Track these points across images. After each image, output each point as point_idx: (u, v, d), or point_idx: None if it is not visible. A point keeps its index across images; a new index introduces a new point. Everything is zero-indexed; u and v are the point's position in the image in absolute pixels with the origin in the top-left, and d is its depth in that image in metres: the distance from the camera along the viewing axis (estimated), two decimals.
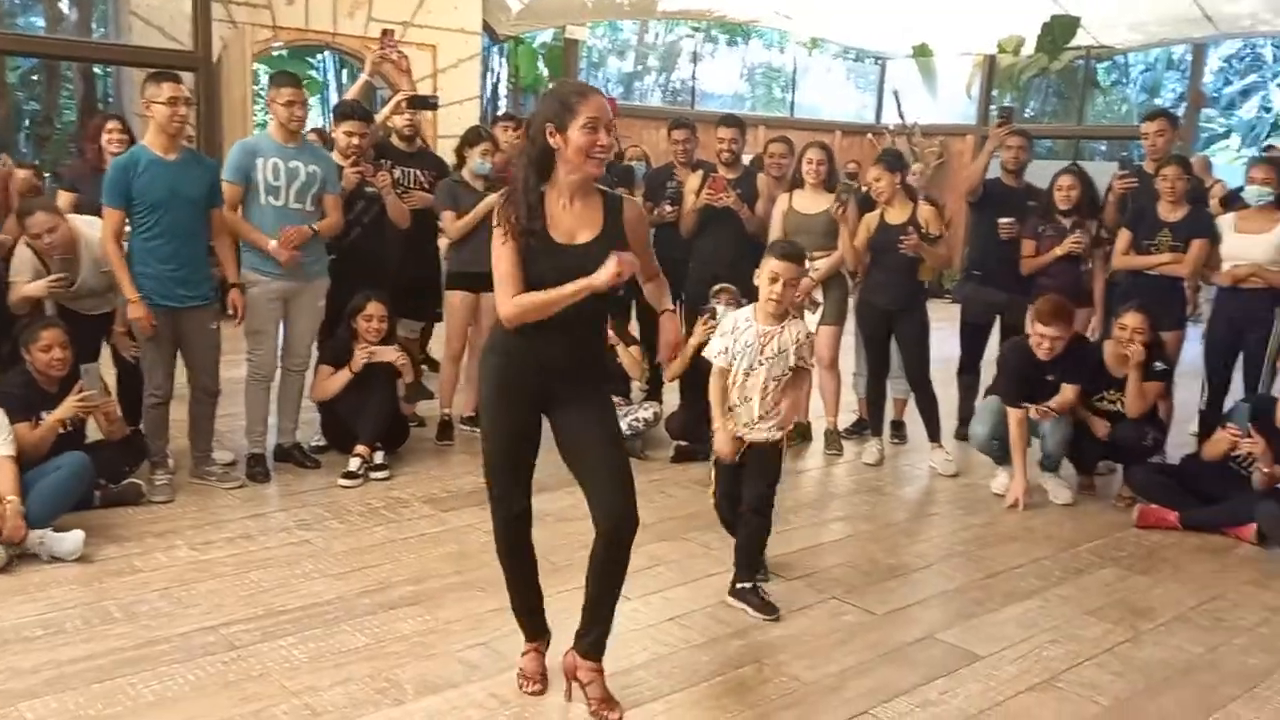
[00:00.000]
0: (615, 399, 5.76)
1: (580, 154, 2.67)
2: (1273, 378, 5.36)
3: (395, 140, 5.70)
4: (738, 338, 3.70)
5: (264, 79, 13.24)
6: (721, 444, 3.71)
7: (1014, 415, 5.01)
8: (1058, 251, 5.55)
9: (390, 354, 5.11)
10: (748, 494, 3.71)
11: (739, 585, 3.72)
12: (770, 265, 3.66)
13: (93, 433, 4.51)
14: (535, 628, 3.12)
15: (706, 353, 3.80)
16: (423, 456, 5.36)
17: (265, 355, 4.91)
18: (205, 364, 4.67)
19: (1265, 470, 4.52)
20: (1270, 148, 6.80)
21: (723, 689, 3.12)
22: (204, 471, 4.77)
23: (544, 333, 2.75)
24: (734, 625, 3.55)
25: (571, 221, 2.77)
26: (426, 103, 5.74)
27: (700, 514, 4.64)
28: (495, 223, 2.77)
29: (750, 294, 5.63)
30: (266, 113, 5.11)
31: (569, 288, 2.67)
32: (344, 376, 5.09)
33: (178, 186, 4.39)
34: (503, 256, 2.74)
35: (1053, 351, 4.90)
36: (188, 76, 7.01)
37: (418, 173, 5.67)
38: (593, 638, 2.94)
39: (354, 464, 4.90)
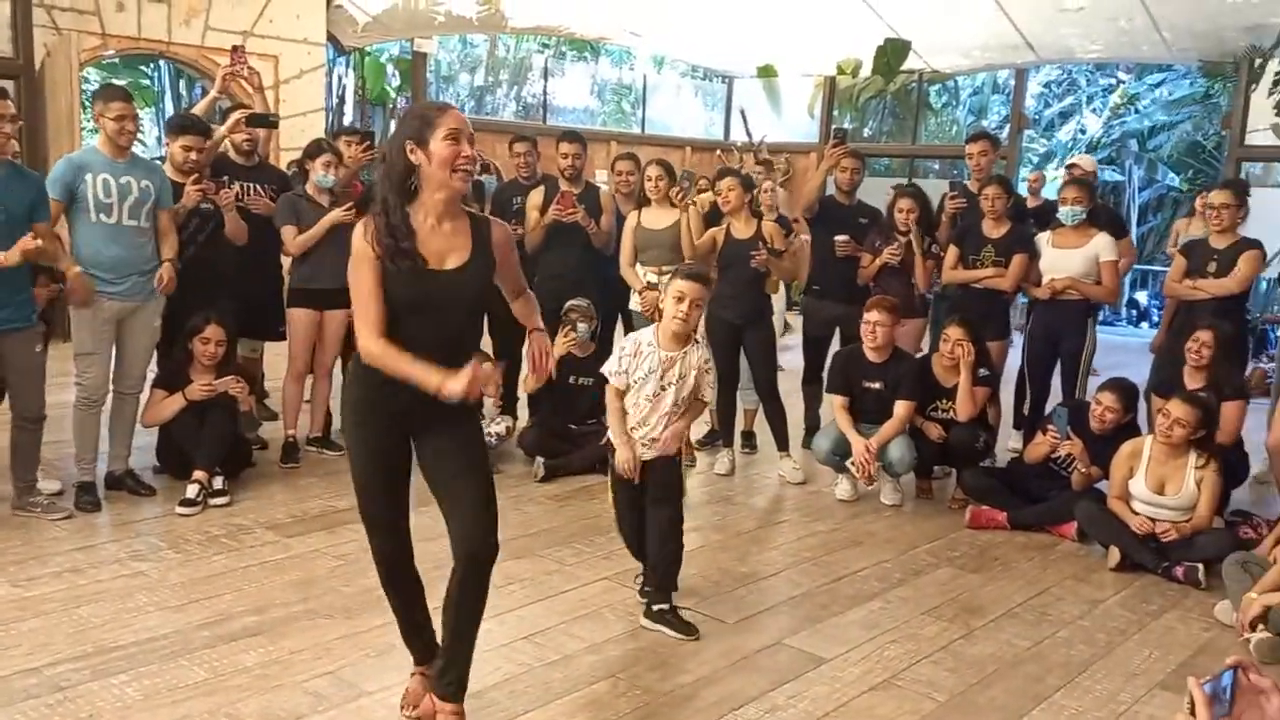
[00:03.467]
0: None
1: (444, 166, 2.60)
2: (1086, 384, 5.72)
3: (233, 155, 5.52)
4: (639, 363, 3.70)
5: (95, 86, 12.66)
6: (623, 460, 3.70)
7: (837, 401, 5.31)
8: (880, 260, 5.77)
9: (229, 384, 4.93)
10: (659, 516, 3.70)
11: (656, 608, 3.69)
12: (677, 285, 3.66)
13: None
14: (422, 651, 3.02)
15: (605, 369, 3.79)
16: (266, 480, 5.20)
17: (95, 379, 4.66)
18: (27, 389, 4.42)
19: (1083, 470, 4.82)
20: (1073, 166, 7.26)
21: (577, 705, 3.14)
22: (28, 503, 4.51)
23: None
24: (588, 640, 3.57)
25: (440, 243, 2.68)
26: (266, 120, 5.58)
27: (555, 529, 4.65)
28: (358, 244, 2.64)
29: (599, 308, 5.72)
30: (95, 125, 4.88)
31: (425, 376, 2.57)
32: (178, 402, 4.88)
33: None
34: (362, 280, 2.63)
35: (876, 338, 5.18)
36: (7, 85, 6.63)
37: (258, 187, 5.51)
38: (452, 677, 2.85)
39: (192, 490, 4.70)
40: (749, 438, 6.27)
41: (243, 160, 5.54)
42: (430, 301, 2.66)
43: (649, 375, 3.68)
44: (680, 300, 3.63)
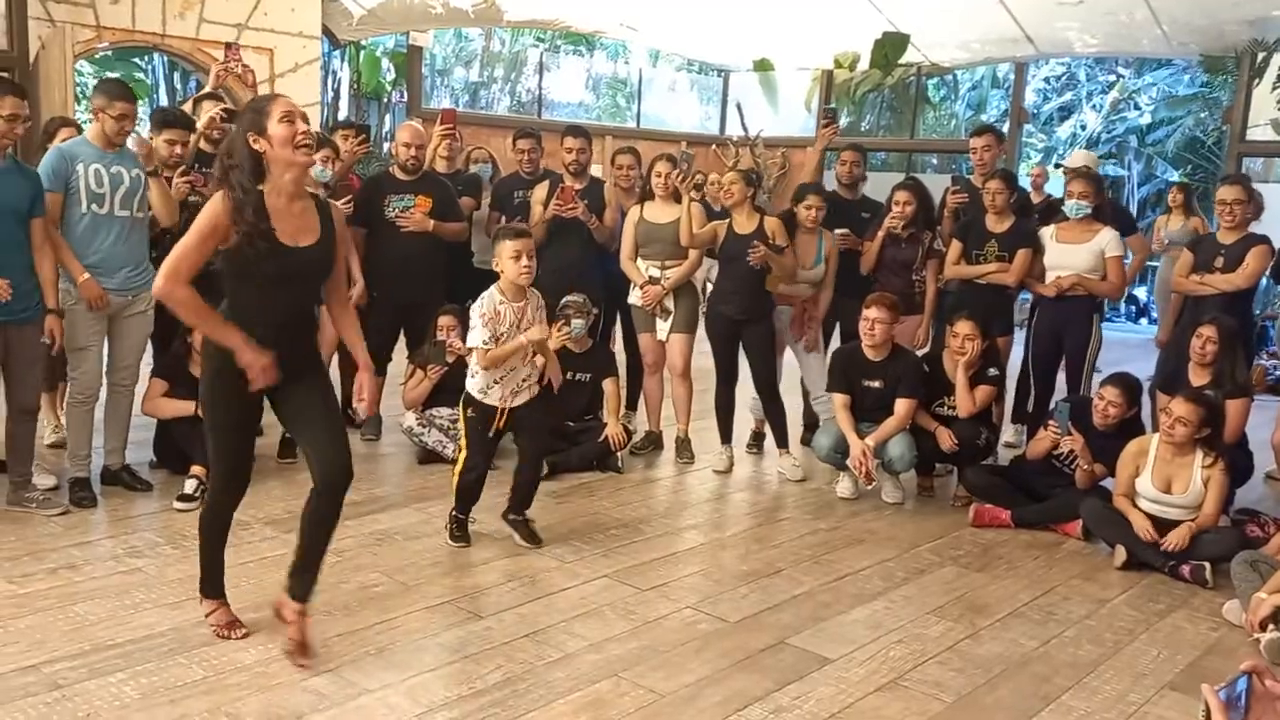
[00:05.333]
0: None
1: (286, 145, 2.89)
2: (1090, 380, 5.69)
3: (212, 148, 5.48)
4: (501, 322, 4.19)
5: (88, 79, 12.58)
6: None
7: (838, 399, 5.24)
8: (881, 230, 5.70)
9: None
10: (532, 448, 4.39)
11: (513, 517, 4.42)
12: (513, 245, 4.14)
13: None
14: (219, 584, 3.44)
15: (472, 342, 4.22)
16: (264, 476, 5.12)
17: (88, 374, 4.61)
18: (27, 381, 4.38)
19: (1085, 467, 4.79)
20: (1060, 166, 7.21)
21: (579, 705, 3.09)
22: (23, 498, 4.46)
23: (260, 329, 3.00)
24: (590, 639, 3.53)
25: (293, 223, 3.00)
26: None
27: (553, 526, 4.61)
28: (215, 214, 2.92)
29: (599, 302, 5.69)
30: (90, 116, 4.83)
31: (229, 336, 2.95)
32: (184, 410, 4.79)
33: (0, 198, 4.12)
34: (201, 239, 2.91)
35: (875, 335, 5.12)
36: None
37: None
38: (301, 580, 3.22)
39: (189, 485, 4.65)
40: (758, 439, 6.23)
41: (213, 150, 5.48)
42: (287, 277, 3.00)
43: (510, 328, 4.16)
44: (517, 258, 4.11)
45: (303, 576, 3.23)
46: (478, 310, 4.17)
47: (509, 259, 4.11)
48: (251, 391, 3.03)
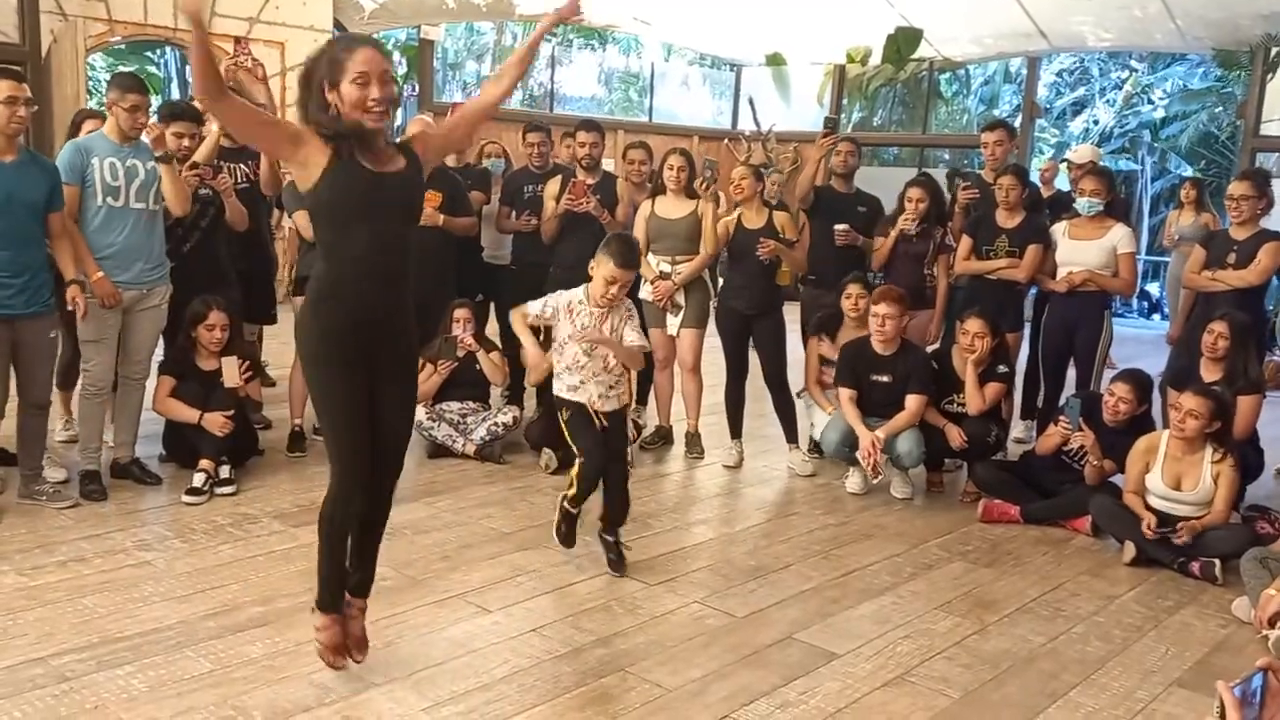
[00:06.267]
0: (474, 404, 5.70)
1: (356, 109, 2.69)
2: (1101, 376, 5.66)
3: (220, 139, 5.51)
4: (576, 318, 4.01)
5: (100, 73, 12.63)
6: (535, 362, 4.09)
7: (844, 394, 5.22)
8: (895, 230, 5.70)
9: (233, 371, 4.90)
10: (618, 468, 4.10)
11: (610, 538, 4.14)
12: (612, 270, 3.88)
13: None
14: (339, 597, 3.10)
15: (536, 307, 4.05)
16: (273, 469, 5.16)
17: (101, 367, 4.64)
18: (39, 375, 4.41)
19: (1095, 463, 4.77)
20: (1067, 161, 7.15)
21: (586, 699, 3.10)
22: (33, 491, 4.48)
23: (350, 283, 2.81)
24: (597, 634, 3.53)
25: (375, 154, 2.79)
26: None
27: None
28: (301, 128, 2.77)
29: None
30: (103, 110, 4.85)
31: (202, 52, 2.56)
32: (192, 416, 4.83)
33: (15, 190, 4.14)
34: (274, 120, 2.92)
35: (885, 330, 5.11)
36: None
37: (242, 166, 5.52)
38: (360, 577, 3.10)
39: (198, 479, 4.67)
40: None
41: (227, 142, 5.51)
42: (375, 199, 2.77)
43: (579, 324, 3.96)
44: (611, 283, 3.88)
45: (366, 575, 3.12)
46: (555, 293, 4.08)
47: (604, 279, 3.87)
48: (360, 379, 2.86)
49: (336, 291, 2.83)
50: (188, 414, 4.85)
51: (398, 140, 3.00)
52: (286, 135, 2.81)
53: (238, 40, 5.83)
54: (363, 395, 2.88)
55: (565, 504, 4.09)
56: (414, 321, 3.01)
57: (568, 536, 4.13)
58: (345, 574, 3.07)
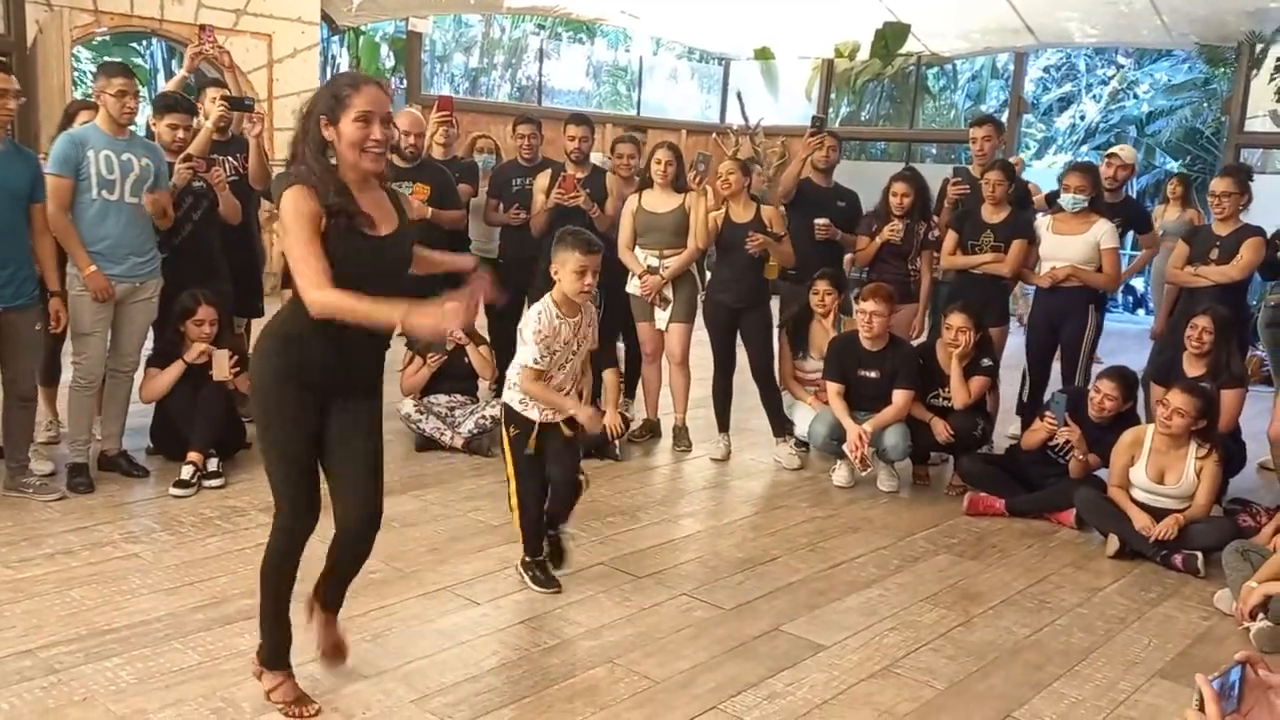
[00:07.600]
0: (462, 397, 5.70)
1: (354, 148, 2.61)
2: (1088, 371, 5.70)
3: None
4: (557, 340, 3.74)
5: (85, 65, 12.55)
6: (589, 416, 3.75)
7: (832, 388, 5.26)
8: (879, 239, 5.75)
9: (223, 364, 4.88)
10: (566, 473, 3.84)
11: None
12: (580, 259, 3.68)
13: None
14: (284, 648, 2.94)
15: (525, 360, 3.72)
16: (260, 463, 5.13)
17: (91, 360, 4.62)
18: (24, 367, 4.40)
19: (1080, 457, 4.80)
20: (1112, 156, 7.14)
21: (574, 691, 3.11)
22: (20, 483, 4.47)
23: (340, 332, 2.62)
24: (585, 625, 3.55)
25: (370, 210, 2.68)
26: (242, 104, 5.57)
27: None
28: (299, 203, 2.57)
29: (601, 291, 5.67)
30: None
31: (389, 311, 2.50)
32: (175, 370, 4.85)
33: (1, 181, 4.13)
34: (304, 234, 2.56)
35: (873, 328, 5.15)
36: None
37: (231, 159, 5.49)
38: (334, 595, 3.05)
39: (186, 472, 4.66)
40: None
41: (217, 136, 5.49)
42: (375, 267, 2.66)
43: (565, 346, 3.72)
44: (582, 274, 3.65)
45: (340, 591, 3.05)
46: (531, 327, 3.67)
47: (572, 273, 3.63)
48: (312, 410, 2.75)
49: (318, 330, 2.64)
50: (172, 373, 4.86)
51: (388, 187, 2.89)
52: (318, 227, 2.62)
53: (202, 28, 5.78)
54: (314, 415, 2.77)
55: (521, 567, 3.86)
56: (383, 357, 2.88)
57: (547, 582, 3.82)
58: (290, 627, 2.92)
